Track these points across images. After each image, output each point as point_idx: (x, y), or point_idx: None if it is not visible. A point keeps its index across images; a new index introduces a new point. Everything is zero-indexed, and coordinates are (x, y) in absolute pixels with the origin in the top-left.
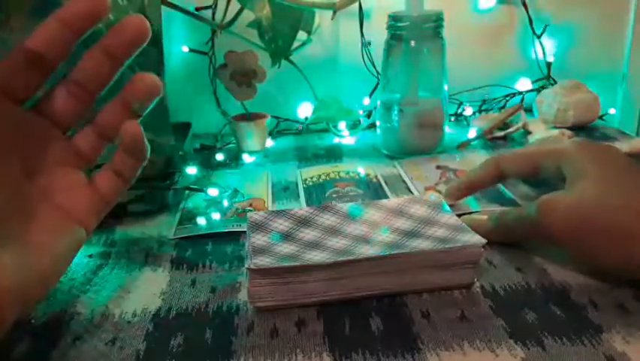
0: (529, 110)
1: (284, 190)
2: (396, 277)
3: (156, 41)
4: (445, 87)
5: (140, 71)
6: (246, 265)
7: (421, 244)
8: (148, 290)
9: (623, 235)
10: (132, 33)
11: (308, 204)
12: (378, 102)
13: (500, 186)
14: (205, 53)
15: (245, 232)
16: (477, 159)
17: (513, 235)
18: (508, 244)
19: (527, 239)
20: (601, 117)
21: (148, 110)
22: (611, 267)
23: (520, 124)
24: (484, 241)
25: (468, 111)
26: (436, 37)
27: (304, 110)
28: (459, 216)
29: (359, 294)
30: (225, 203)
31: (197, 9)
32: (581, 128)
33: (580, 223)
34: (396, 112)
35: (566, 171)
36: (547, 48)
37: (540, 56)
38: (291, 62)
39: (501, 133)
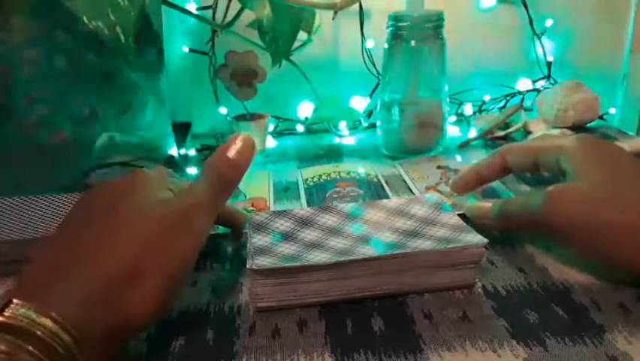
0: (529, 110)
1: (285, 190)
2: (397, 278)
3: (156, 41)
4: (445, 87)
5: (139, 70)
6: (248, 266)
7: (422, 244)
8: None
9: (634, 232)
10: None
11: (309, 205)
12: (379, 102)
13: (501, 185)
14: (205, 53)
15: (246, 232)
16: (477, 159)
17: (517, 223)
18: (511, 239)
19: (531, 229)
20: (601, 117)
21: None
22: (619, 263)
23: (520, 124)
24: (485, 241)
25: (468, 111)
26: (437, 38)
27: (304, 110)
28: (460, 215)
29: (360, 294)
30: None
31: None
32: (581, 128)
33: (589, 218)
34: (396, 112)
35: (565, 165)
36: (547, 48)
37: (540, 56)
38: (291, 62)
39: (501, 133)
